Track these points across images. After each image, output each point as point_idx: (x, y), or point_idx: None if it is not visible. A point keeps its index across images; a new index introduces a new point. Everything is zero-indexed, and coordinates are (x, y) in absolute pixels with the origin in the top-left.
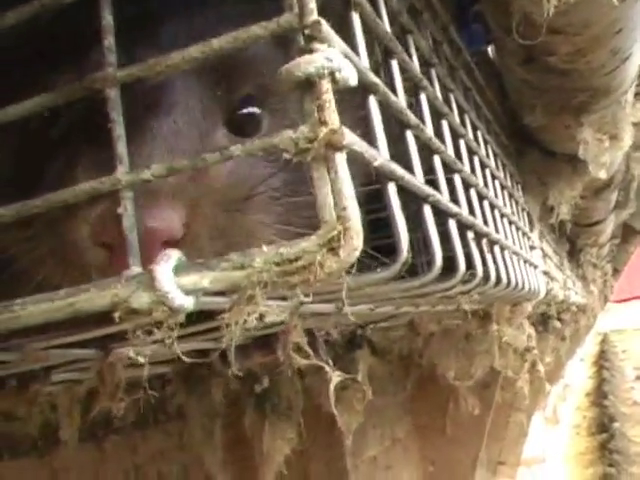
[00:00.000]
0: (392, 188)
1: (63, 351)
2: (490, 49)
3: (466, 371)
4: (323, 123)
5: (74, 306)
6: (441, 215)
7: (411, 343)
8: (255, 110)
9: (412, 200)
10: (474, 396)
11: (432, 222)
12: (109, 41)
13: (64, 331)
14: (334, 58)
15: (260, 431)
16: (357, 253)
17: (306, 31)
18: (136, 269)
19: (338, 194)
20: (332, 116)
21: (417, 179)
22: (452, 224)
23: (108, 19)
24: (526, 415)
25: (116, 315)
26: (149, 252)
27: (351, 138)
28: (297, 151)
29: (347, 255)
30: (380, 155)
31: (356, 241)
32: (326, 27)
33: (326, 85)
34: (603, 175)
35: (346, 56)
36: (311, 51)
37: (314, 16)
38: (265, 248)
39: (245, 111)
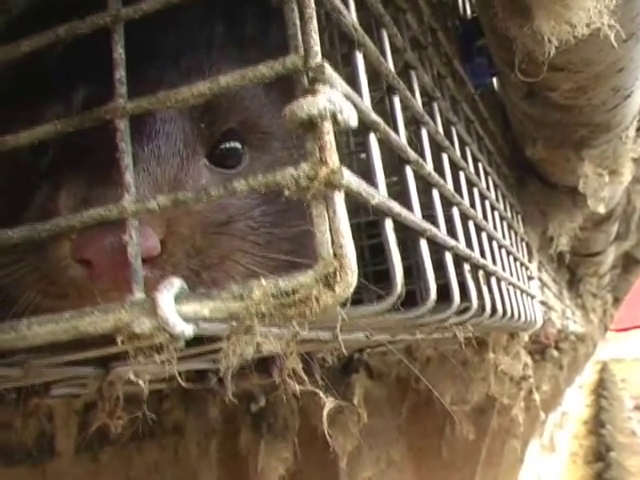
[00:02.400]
0: (389, 224)
1: (64, 368)
2: (495, 81)
3: (462, 396)
4: (324, 163)
5: (78, 328)
6: (438, 246)
7: (408, 368)
8: (237, 145)
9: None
10: (470, 421)
11: (428, 256)
12: (120, 73)
13: (66, 349)
14: (336, 100)
15: (255, 450)
16: (352, 289)
17: (310, 73)
18: (139, 295)
19: (335, 232)
20: (332, 157)
21: (415, 214)
22: (448, 257)
23: (120, 52)
24: (522, 442)
25: (119, 339)
26: (127, 269)
27: (349, 178)
28: (298, 188)
29: (342, 290)
30: (378, 193)
31: (351, 277)
32: (329, 70)
33: (328, 126)
34: (602, 210)
35: (348, 97)
36: (314, 92)
37: (318, 59)
38: (264, 281)
39: (227, 145)
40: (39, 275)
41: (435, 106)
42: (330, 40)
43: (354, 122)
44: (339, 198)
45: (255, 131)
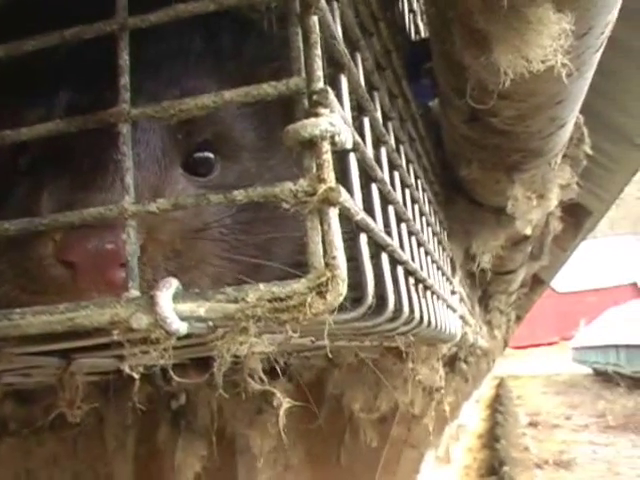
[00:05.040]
0: (364, 239)
1: (31, 357)
2: (432, 103)
3: (370, 404)
4: (322, 180)
5: (73, 321)
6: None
7: (326, 373)
8: (210, 155)
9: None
10: (373, 429)
11: (388, 269)
12: (124, 79)
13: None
14: (336, 123)
15: (173, 446)
16: (342, 298)
17: (314, 96)
18: (135, 292)
19: (329, 245)
20: (330, 175)
21: (380, 229)
22: (400, 271)
23: (125, 59)
24: (419, 452)
25: (114, 333)
26: (109, 271)
27: (346, 196)
28: (296, 202)
29: (333, 299)
30: (362, 211)
31: (342, 287)
32: (332, 95)
33: (327, 146)
34: (529, 231)
35: (345, 122)
36: (317, 115)
37: (321, 83)
38: (261, 285)
39: (201, 155)
40: (19, 271)
41: (390, 125)
42: None
43: (349, 144)
44: (334, 213)
45: (227, 142)
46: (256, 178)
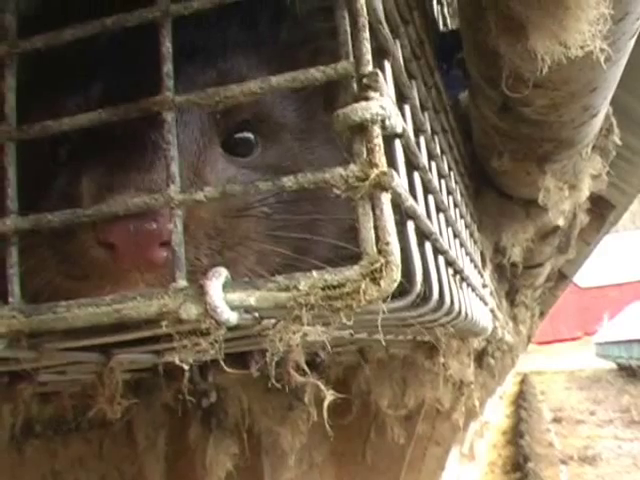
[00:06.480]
0: (411, 226)
1: (72, 353)
2: (460, 95)
3: (398, 401)
4: (373, 165)
5: (120, 312)
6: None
7: (353, 369)
8: (250, 135)
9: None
10: (399, 426)
11: (432, 258)
12: (168, 67)
13: (84, 335)
14: (387, 107)
15: (204, 445)
16: (396, 284)
17: (364, 80)
18: (183, 282)
19: (382, 230)
20: (382, 159)
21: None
22: (441, 261)
23: (168, 46)
24: (444, 449)
25: (163, 324)
26: (150, 250)
27: (397, 180)
28: (347, 188)
29: (387, 285)
30: (410, 197)
31: (396, 273)
32: (381, 78)
33: (377, 130)
34: (561, 222)
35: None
36: (367, 98)
37: (370, 67)
38: (313, 273)
39: (241, 135)
40: (61, 257)
41: (426, 115)
42: None
43: (399, 128)
44: (386, 198)
45: (267, 123)
46: (298, 159)
